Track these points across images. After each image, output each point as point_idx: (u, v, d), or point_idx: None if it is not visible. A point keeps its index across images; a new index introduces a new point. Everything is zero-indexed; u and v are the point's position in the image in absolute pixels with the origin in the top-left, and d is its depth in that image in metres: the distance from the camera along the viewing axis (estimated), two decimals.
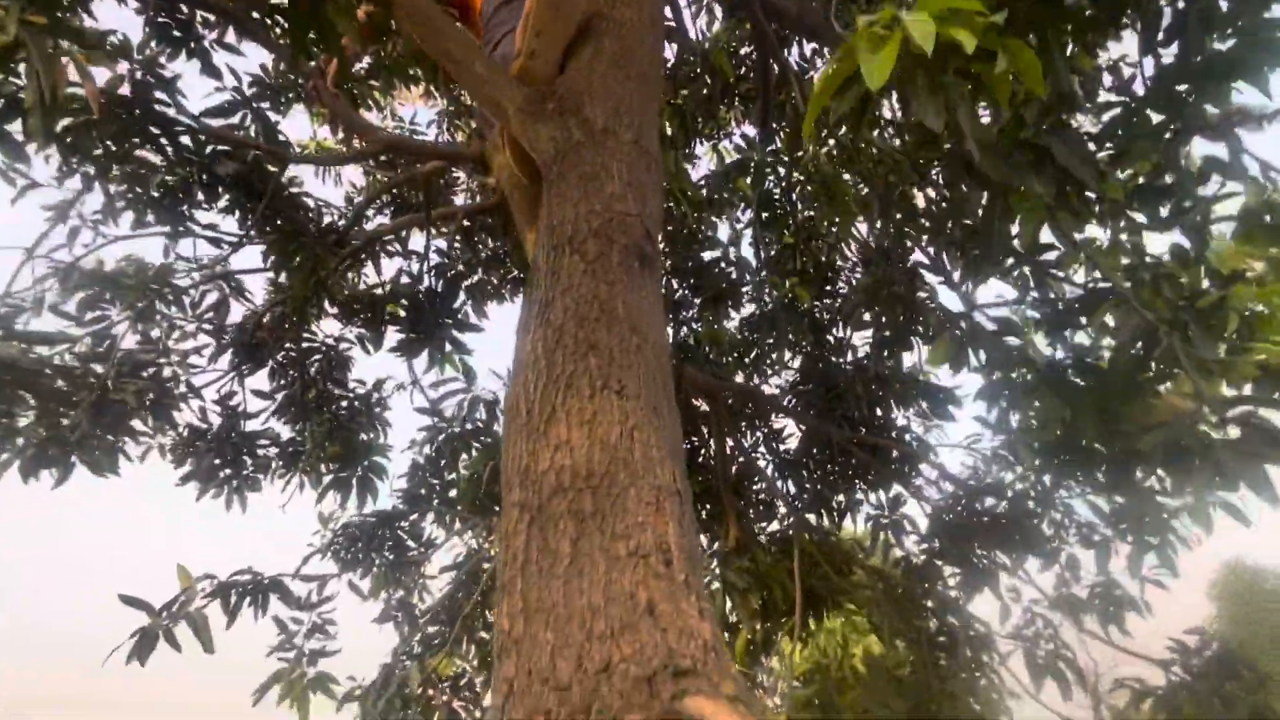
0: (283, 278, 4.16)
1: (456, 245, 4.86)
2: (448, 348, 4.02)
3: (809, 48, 5.05)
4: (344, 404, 4.48)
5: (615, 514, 1.04)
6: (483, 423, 4.10)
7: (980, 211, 2.34)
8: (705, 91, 4.90)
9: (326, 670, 3.66)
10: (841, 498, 4.71)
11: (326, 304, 3.97)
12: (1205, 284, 2.41)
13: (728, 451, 4.93)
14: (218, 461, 3.99)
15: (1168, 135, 2.57)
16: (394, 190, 4.06)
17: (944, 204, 2.82)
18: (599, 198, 1.44)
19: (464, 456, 4.19)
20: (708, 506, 4.27)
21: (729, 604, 3.65)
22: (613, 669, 0.85)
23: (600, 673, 0.86)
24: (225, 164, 3.97)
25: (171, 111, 3.35)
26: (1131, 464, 2.99)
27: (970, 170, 2.17)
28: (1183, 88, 2.53)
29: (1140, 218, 2.79)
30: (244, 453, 4.06)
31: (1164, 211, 2.71)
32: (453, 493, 4.39)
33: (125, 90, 3.11)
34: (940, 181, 2.53)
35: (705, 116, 5.34)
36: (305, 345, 4.26)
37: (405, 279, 4.12)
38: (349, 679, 3.79)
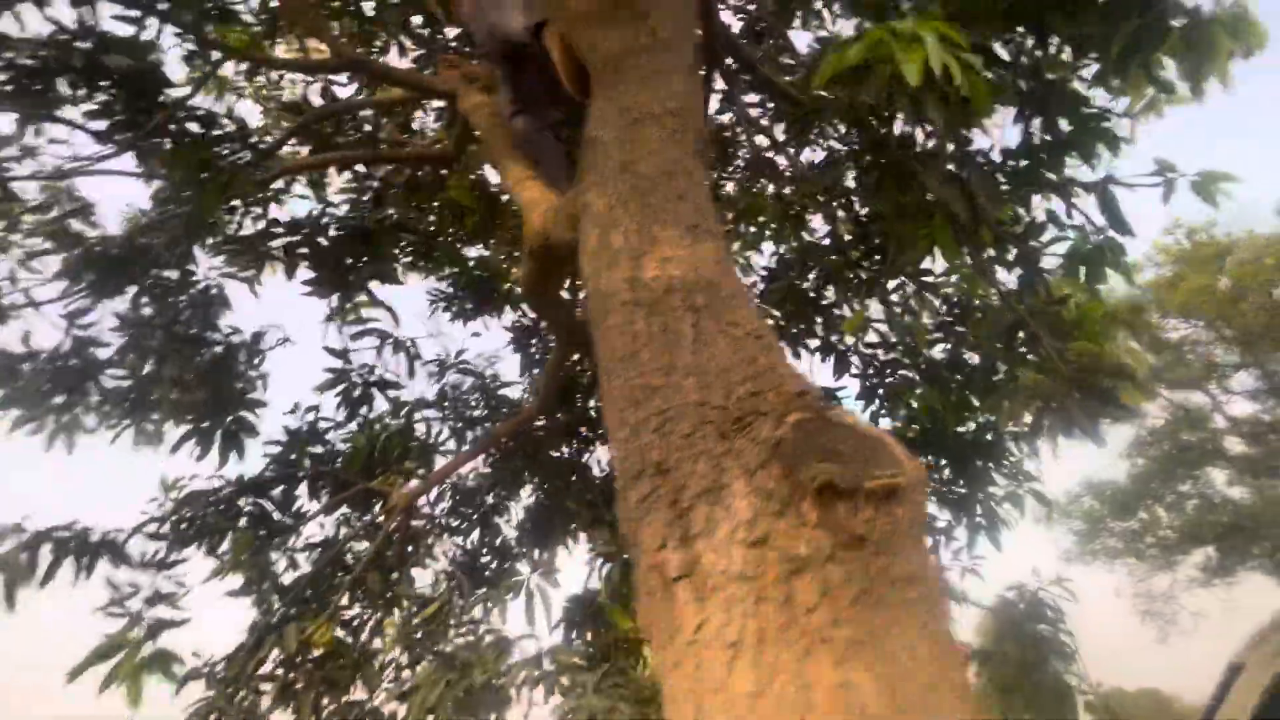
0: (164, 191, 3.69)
1: (366, 202, 4.62)
2: (361, 296, 3.79)
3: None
4: (216, 349, 3.99)
5: (726, 309, 1.19)
6: (395, 376, 3.86)
7: (898, 218, 2.85)
8: None
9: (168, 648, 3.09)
10: None
11: (228, 232, 3.59)
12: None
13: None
14: (49, 386, 3.35)
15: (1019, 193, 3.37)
16: (316, 123, 3.78)
17: (862, 220, 3.35)
18: (669, 90, 1.63)
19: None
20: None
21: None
22: (762, 394, 1.00)
23: (753, 396, 1.00)
24: (115, 57, 3.49)
25: None
26: (974, 454, 3.67)
27: (904, 180, 2.67)
28: (1024, 163, 3.36)
29: (992, 253, 3.56)
30: (87, 380, 3.45)
31: (1013, 251, 3.50)
32: (338, 463, 4.03)
33: None
34: (870, 191, 3.03)
35: None
36: (183, 274, 3.78)
37: (325, 219, 3.83)
38: (194, 655, 3.25)
